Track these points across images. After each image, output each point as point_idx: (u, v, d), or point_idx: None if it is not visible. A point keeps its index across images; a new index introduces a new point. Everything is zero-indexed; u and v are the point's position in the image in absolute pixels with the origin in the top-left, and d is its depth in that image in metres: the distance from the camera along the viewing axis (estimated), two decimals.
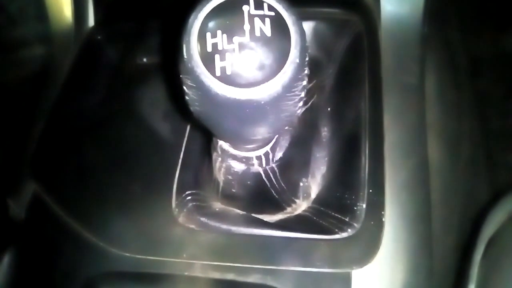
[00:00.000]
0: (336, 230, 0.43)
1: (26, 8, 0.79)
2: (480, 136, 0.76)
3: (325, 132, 0.54)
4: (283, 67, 0.27)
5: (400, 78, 0.52)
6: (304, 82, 0.29)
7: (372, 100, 0.49)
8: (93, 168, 0.50)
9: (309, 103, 0.53)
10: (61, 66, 0.61)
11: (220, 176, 0.42)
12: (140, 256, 0.43)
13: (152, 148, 0.50)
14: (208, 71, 0.27)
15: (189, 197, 0.45)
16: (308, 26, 0.56)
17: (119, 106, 0.54)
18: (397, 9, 0.55)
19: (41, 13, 0.70)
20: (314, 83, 0.54)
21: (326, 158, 0.52)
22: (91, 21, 0.63)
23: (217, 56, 0.27)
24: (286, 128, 0.40)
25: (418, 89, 0.52)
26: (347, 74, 0.54)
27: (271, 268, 0.41)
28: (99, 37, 0.62)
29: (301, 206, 0.50)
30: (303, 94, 0.30)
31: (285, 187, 0.46)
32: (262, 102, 0.27)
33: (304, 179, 0.51)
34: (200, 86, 0.27)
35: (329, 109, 0.55)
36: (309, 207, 0.49)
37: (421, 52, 0.55)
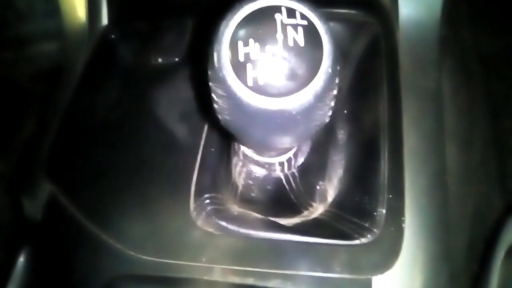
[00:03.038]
0: (356, 235, 0.42)
1: (35, 5, 0.79)
2: (493, 137, 0.76)
3: (341, 134, 0.54)
4: (315, 76, 0.27)
5: (418, 82, 0.52)
6: (335, 92, 0.29)
7: (391, 104, 0.49)
8: (110, 169, 0.49)
9: None
10: (75, 64, 0.61)
11: (240, 180, 0.42)
12: (158, 260, 0.43)
13: (169, 149, 0.50)
14: (240, 80, 0.27)
15: (208, 200, 0.45)
16: None
17: (135, 107, 0.53)
18: (414, 11, 0.55)
19: (54, 10, 0.69)
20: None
21: (343, 161, 0.52)
22: (104, 20, 0.62)
23: (249, 66, 0.26)
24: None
25: (436, 92, 0.52)
26: (364, 76, 0.54)
27: (291, 274, 0.41)
28: (113, 36, 0.61)
29: (317, 209, 0.49)
30: (333, 103, 0.29)
31: (303, 191, 0.46)
32: (294, 112, 0.27)
33: (321, 182, 0.50)
34: (232, 96, 0.27)
35: (345, 111, 0.54)
36: (326, 211, 0.49)
37: (438, 55, 0.54)
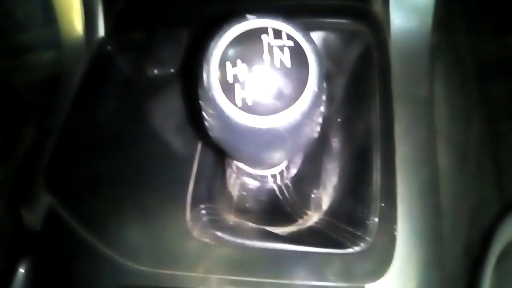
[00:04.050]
0: (349, 244, 0.43)
1: (33, 15, 0.80)
2: (488, 140, 0.76)
3: (335, 143, 0.54)
4: (301, 95, 0.28)
5: (410, 90, 0.52)
6: (322, 108, 0.30)
7: (383, 113, 0.49)
8: (107, 181, 0.50)
9: None
10: (71, 76, 0.62)
11: (234, 191, 0.43)
12: (155, 270, 0.43)
13: (165, 160, 0.50)
14: (229, 100, 0.27)
15: (204, 211, 0.46)
16: (317, 36, 0.56)
17: (131, 119, 0.54)
18: (406, 20, 0.55)
19: (51, 21, 0.70)
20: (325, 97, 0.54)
21: (337, 170, 0.52)
22: (101, 31, 0.63)
23: (237, 86, 0.27)
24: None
25: (428, 100, 0.52)
26: (357, 85, 0.55)
27: (285, 283, 0.42)
28: (109, 48, 0.62)
29: (312, 217, 0.50)
30: (320, 120, 0.30)
31: (297, 200, 0.47)
32: (282, 130, 0.28)
33: (315, 191, 0.51)
34: (221, 115, 0.28)
35: (339, 120, 0.55)
36: (320, 219, 0.49)
37: (430, 62, 0.55)
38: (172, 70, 0.57)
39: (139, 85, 0.57)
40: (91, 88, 0.59)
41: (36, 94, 0.73)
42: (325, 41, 0.56)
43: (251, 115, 0.27)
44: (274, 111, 0.27)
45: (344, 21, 0.56)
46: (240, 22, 0.28)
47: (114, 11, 0.64)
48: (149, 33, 0.61)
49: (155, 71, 0.57)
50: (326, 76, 0.52)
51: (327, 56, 0.56)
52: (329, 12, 0.57)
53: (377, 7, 0.57)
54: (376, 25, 0.55)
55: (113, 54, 0.62)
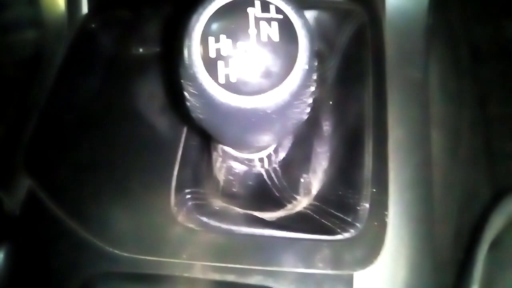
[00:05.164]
0: (339, 230, 0.42)
1: None
2: (480, 124, 0.75)
3: (326, 126, 0.53)
4: (290, 73, 0.26)
5: (404, 72, 0.51)
6: (312, 88, 0.28)
7: (376, 95, 0.48)
8: (89, 164, 0.48)
9: None
10: (53, 55, 0.59)
11: (221, 176, 0.41)
12: (138, 256, 0.42)
13: (149, 143, 0.49)
14: (211, 78, 0.25)
15: (189, 196, 0.44)
16: (309, 15, 0.54)
17: (115, 99, 0.52)
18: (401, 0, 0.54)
19: None
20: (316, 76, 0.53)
21: (327, 154, 0.51)
22: (84, 8, 0.61)
23: (220, 63, 0.25)
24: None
25: (423, 83, 0.51)
26: (350, 66, 0.53)
27: (272, 270, 0.40)
28: (93, 25, 0.59)
29: (301, 202, 0.49)
30: (310, 100, 0.28)
31: (286, 185, 0.45)
32: (269, 111, 0.26)
33: (305, 175, 0.50)
34: (203, 94, 0.26)
35: (330, 102, 0.54)
36: (310, 204, 0.48)
37: (425, 44, 0.53)
38: (157, 49, 0.54)
39: (123, 64, 0.55)
40: (73, 67, 0.57)
41: (18, 73, 0.71)
42: (317, 20, 0.54)
43: (235, 94, 0.25)
44: (260, 90, 0.26)
45: None
46: None
47: None
48: (134, 10, 0.59)
49: (140, 50, 0.55)
50: (318, 57, 0.51)
51: (320, 35, 0.54)
52: None
53: None
54: (370, 4, 0.53)
55: (97, 32, 0.60)
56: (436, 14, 0.57)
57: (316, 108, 0.53)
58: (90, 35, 0.59)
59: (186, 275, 0.41)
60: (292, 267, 0.40)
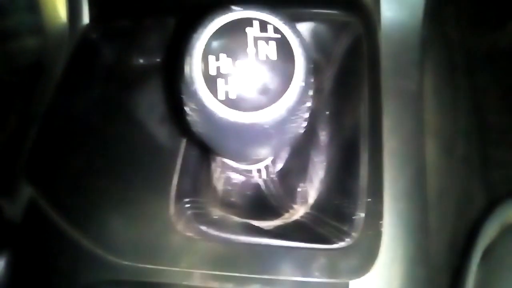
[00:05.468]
0: (334, 239, 0.43)
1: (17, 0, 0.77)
2: (475, 133, 0.76)
3: (323, 136, 0.54)
4: (287, 90, 0.27)
5: (399, 83, 0.52)
6: (309, 104, 0.29)
7: (372, 106, 0.49)
8: (90, 173, 0.49)
9: None
10: (54, 64, 0.60)
11: (219, 186, 0.42)
12: (138, 265, 0.43)
13: (149, 152, 0.49)
14: (212, 94, 0.26)
15: (188, 205, 0.45)
16: (306, 27, 0.55)
17: (115, 109, 0.53)
18: (397, 12, 0.55)
19: (34, 6, 0.68)
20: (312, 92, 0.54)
21: (324, 163, 0.52)
22: (86, 19, 0.61)
23: (220, 80, 0.26)
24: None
25: (417, 94, 0.52)
26: (346, 77, 0.54)
27: (270, 278, 0.41)
28: (94, 36, 0.60)
29: (298, 211, 0.50)
30: (307, 115, 0.29)
31: (283, 194, 0.46)
32: (266, 126, 0.27)
33: (301, 184, 0.50)
34: (203, 109, 0.27)
35: (327, 112, 0.54)
36: (306, 213, 0.49)
37: (420, 55, 0.54)
38: (158, 60, 0.55)
39: (124, 74, 0.56)
40: (74, 76, 0.58)
41: (19, 81, 0.71)
42: (314, 32, 0.55)
43: (235, 110, 0.26)
44: (258, 106, 0.27)
45: (333, 11, 0.55)
46: (224, 14, 0.27)
47: None
48: (135, 21, 0.59)
49: (141, 60, 0.56)
50: (315, 68, 0.51)
51: (316, 47, 0.55)
52: (319, 2, 0.55)
53: None
54: (366, 16, 0.54)
55: (98, 42, 0.60)
56: (431, 25, 0.58)
57: (312, 118, 0.54)
58: (91, 45, 0.60)
59: (185, 283, 0.42)
60: (289, 275, 0.41)
